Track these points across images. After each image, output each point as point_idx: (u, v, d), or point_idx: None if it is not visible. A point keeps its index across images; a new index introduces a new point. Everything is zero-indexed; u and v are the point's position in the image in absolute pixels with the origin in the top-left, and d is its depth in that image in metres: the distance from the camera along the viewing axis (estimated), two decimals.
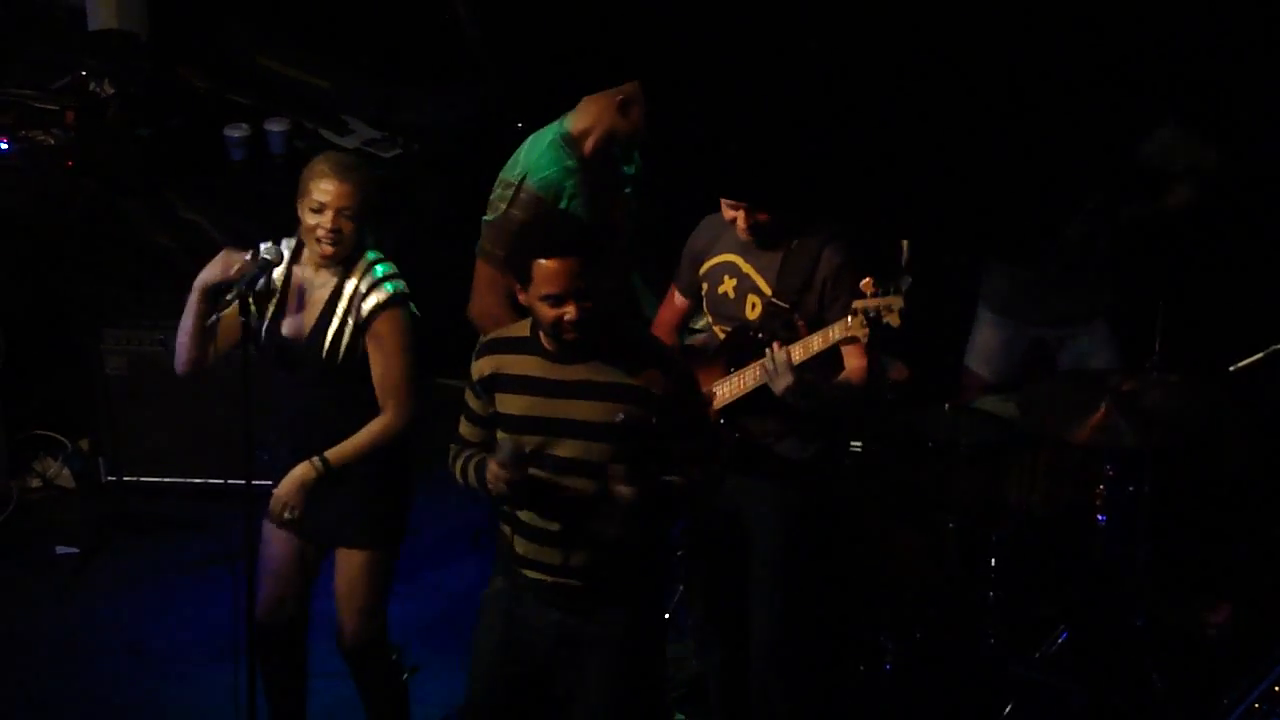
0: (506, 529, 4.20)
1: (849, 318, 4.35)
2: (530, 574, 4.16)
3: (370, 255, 4.53)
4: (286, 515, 4.53)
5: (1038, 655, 5.24)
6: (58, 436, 6.66)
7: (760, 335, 4.54)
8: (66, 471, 6.61)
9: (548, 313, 3.96)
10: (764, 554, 4.66)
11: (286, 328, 4.54)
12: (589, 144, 4.97)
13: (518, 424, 4.05)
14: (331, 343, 4.49)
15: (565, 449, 4.03)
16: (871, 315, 4.30)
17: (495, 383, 4.11)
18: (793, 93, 5.46)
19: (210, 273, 4.45)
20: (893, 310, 4.28)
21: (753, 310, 4.59)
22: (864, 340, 4.36)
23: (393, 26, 7.31)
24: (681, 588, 5.29)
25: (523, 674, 4.25)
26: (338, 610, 4.68)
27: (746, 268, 4.60)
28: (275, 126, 7.21)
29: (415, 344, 4.53)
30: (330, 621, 4.75)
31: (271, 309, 4.55)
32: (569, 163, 4.96)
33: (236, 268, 4.40)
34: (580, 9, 6.06)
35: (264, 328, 4.54)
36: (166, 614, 5.85)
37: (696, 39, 5.64)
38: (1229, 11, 5.20)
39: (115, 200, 6.94)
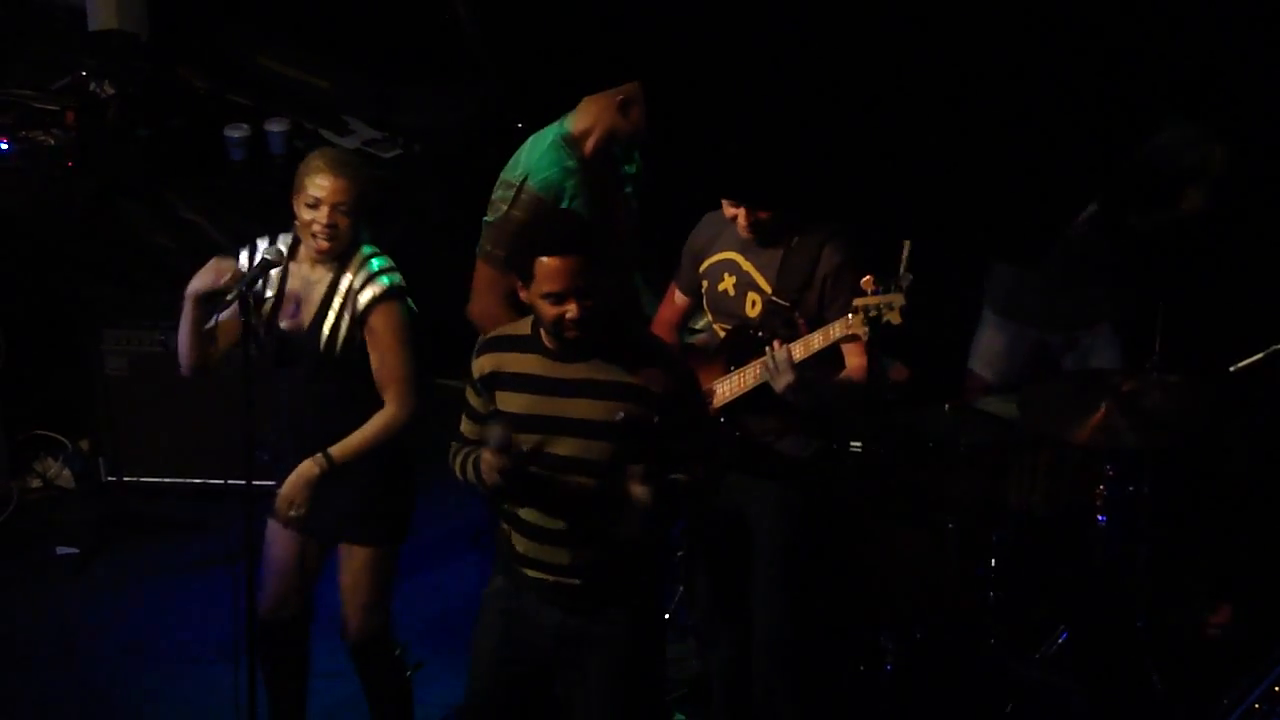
0: (506, 528, 4.20)
1: (849, 315, 4.34)
2: (531, 573, 4.16)
3: (366, 249, 4.54)
4: (292, 513, 4.54)
5: (1038, 655, 5.24)
6: (58, 437, 6.65)
7: (761, 333, 4.54)
8: (66, 472, 6.61)
9: (549, 311, 3.96)
10: (765, 552, 4.66)
11: (285, 324, 4.55)
12: (589, 144, 4.97)
13: (518, 422, 4.05)
14: (329, 338, 4.50)
15: (565, 447, 4.03)
16: (872, 313, 4.30)
17: (495, 380, 4.11)
18: (793, 92, 5.45)
19: (201, 281, 4.45)
20: (894, 308, 4.27)
21: (753, 308, 4.58)
22: (864, 338, 4.36)
23: (392, 26, 7.30)
24: (681, 588, 5.29)
25: (523, 673, 4.25)
26: (342, 606, 4.70)
27: (747, 265, 4.60)
28: (275, 127, 7.21)
29: (413, 337, 4.53)
30: (330, 622, 4.77)
31: (269, 306, 4.55)
32: (569, 163, 4.95)
33: (228, 275, 4.40)
34: (580, 9, 6.05)
35: (264, 326, 4.54)
36: (166, 614, 5.84)
37: (696, 39, 5.63)
38: (1230, 11, 5.19)
39: (115, 200, 6.94)
